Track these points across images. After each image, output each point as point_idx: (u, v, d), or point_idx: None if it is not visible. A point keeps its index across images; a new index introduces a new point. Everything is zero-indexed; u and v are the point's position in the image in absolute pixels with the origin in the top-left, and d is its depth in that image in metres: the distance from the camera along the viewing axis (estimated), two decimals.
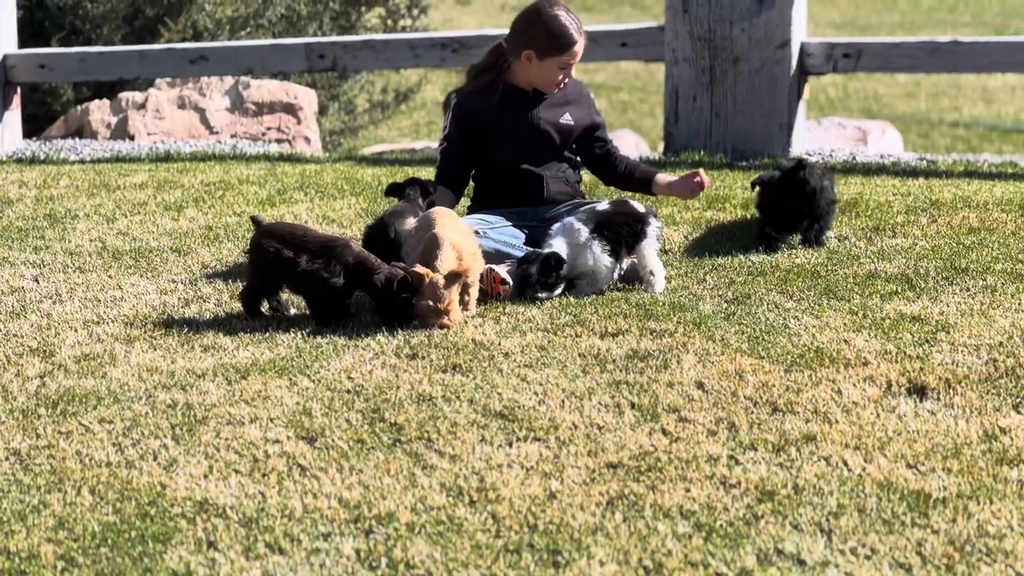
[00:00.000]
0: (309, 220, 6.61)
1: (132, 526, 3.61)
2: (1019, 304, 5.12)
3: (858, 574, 3.34)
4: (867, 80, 21.41)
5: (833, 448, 3.95)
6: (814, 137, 9.93)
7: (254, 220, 5.28)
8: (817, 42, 8.13)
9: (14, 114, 9.37)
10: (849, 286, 5.37)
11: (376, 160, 8.74)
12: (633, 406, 4.27)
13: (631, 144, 12.92)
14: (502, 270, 5.36)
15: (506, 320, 5.08)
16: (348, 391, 4.42)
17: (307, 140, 10.18)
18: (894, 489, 3.71)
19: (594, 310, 5.14)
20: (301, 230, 5.21)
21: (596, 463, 3.90)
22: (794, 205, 5.89)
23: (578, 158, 6.09)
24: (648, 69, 21.08)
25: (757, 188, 6.00)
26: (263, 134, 10.05)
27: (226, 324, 5.12)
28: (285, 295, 5.23)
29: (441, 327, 4.94)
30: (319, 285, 5.02)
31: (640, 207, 5.48)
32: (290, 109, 10.20)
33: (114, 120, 9.96)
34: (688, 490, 3.73)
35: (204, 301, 5.44)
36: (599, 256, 5.33)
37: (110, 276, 5.78)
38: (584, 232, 5.33)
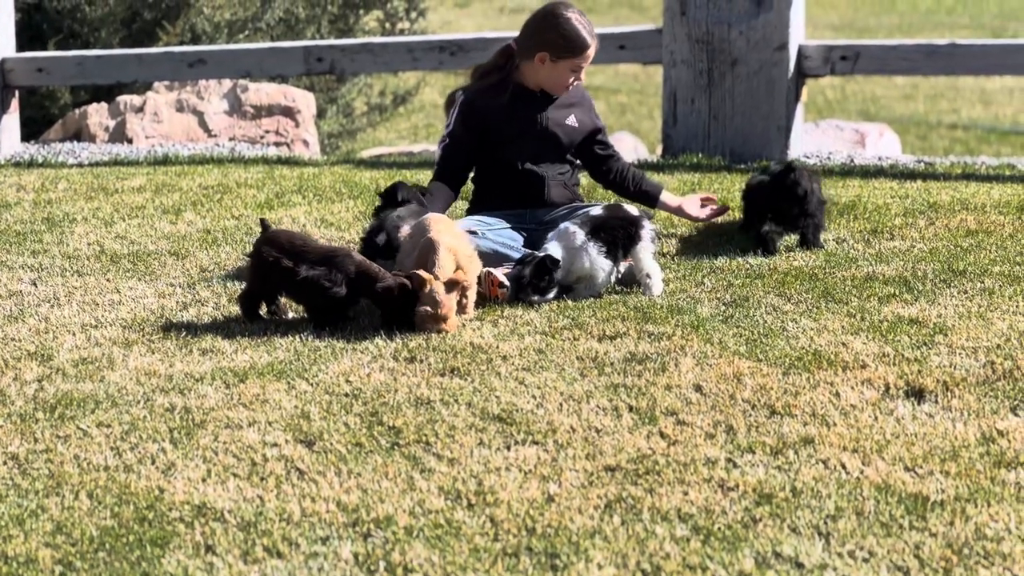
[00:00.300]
0: (307, 223, 6.61)
1: (130, 530, 3.61)
2: (1017, 306, 5.12)
3: None
4: (865, 82, 21.40)
5: (831, 451, 3.95)
6: (812, 139, 9.93)
7: (263, 223, 5.28)
8: (815, 44, 8.14)
9: (12, 117, 9.37)
10: (847, 289, 5.37)
11: (374, 163, 8.74)
12: (631, 409, 4.27)
13: (629, 147, 12.92)
14: (500, 273, 5.35)
15: (504, 323, 5.08)
16: (346, 394, 4.42)
17: (305, 143, 10.18)
18: (892, 492, 3.71)
19: (592, 313, 5.14)
20: (301, 239, 5.20)
21: (594, 466, 3.90)
22: (787, 208, 5.92)
23: (578, 161, 6.10)
24: (646, 71, 21.07)
25: (747, 189, 6.09)
26: (261, 137, 10.06)
27: (224, 328, 5.12)
28: (283, 299, 5.23)
29: (439, 332, 4.94)
30: (320, 293, 5.02)
31: (634, 210, 5.49)
32: (288, 112, 10.20)
33: (112, 123, 9.96)
34: (686, 493, 3.73)
35: (202, 305, 5.44)
36: (595, 259, 5.33)
37: (108, 280, 5.78)
38: (580, 236, 5.33)
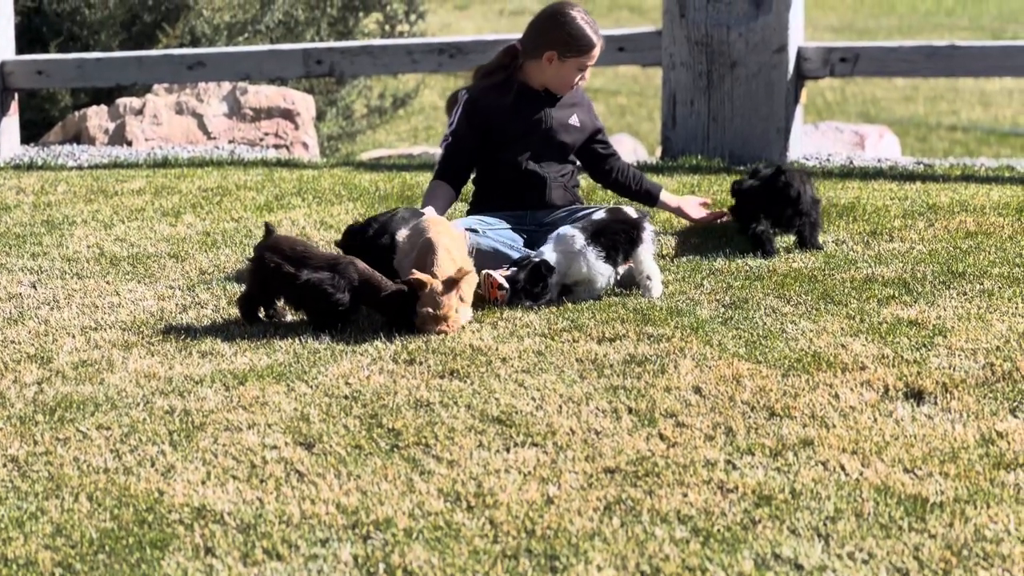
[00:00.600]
0: (307, 226, 6.61)
1: (130, 533, 3.61)
2: (1016, 308, 5.12)
3: None
4: (865, 84, 21.41)
5: (830, 453, 3.95)
6: (811, 141, 9.94)
7: (266, 227, 5.28)
8: (814, 46, 8.14)
9: (12, 120, 9.37)
10: (846, 290, 5.37)
11: (374, 165, 8.74)
12: (630, 411, 4.27)
13: (629, 148, 12.93)
14: (499, 275, 5.35)
15: (504, 325, 5.08)
16: (346, 397, 4.43)
17: (305, 145, 10.18)
18: (891, 493, 3.71)
19: (591, 315, 5.15)
20: (303, 245, 5.21)
21: (594, 468, 3.90)
22: (781, 210, 5.94)
23: (578, 163, 6.11)
24: (646, 74, 21.08)
25: (738, 194, 6.11)
26: (261, 140, 10.06)
27: (224, 330, 5.12)
28: (281, 302, 5.23)
29: (439, 333, 4.94)
30: (323, 299, 5.02)
31: (634, 213, 5.49)
32: (288, 115, 10.20)
33: (112, 126, 9.96)
34: (685, 495, 3.73)
35: (202, 307, 5.44)
36: (594, 264, 5.32)
37: (108, 282, 5.79)
38: (579, 240, 5.33)
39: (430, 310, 4.93)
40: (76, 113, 10.31)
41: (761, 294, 5.36)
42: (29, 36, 11.55)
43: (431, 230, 5.16)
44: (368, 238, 5.57)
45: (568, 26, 5.85)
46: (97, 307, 5.45)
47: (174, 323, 5.23)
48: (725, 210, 6.29)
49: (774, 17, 7.99)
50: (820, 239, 6.05)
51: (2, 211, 7.20)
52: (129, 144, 9.78)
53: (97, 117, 10.07)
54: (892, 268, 5.66)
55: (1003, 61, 8.19)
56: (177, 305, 5.47)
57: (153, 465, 4.00)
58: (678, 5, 8.16)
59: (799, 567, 3.38)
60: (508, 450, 4.03)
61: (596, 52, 5.89)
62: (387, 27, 14.14)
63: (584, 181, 6.54)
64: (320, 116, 13.09)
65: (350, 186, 7.53)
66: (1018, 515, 3.60)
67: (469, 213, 6.02)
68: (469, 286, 5.09)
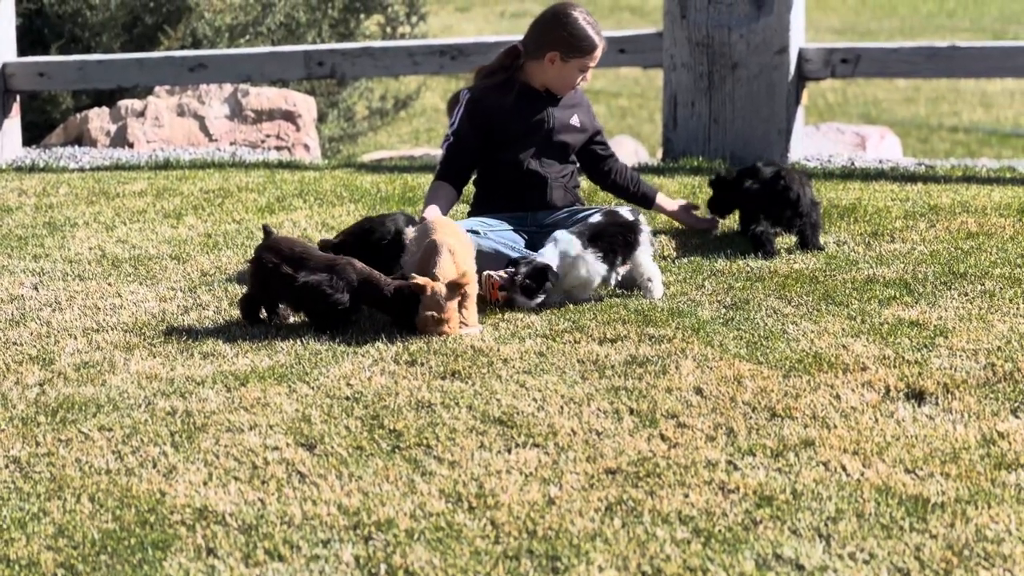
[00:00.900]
0: (308, 227, 6.62)
1: (132, 533, 3.62)
2: (1017, 309, 5.12)
3: None
4: (866, 85, 21.41)
5: (831, 453, 3.95)
6: (813, 143, 9.94)
7: (265, 229, 5.28)
8: (815, 48, 8.14)
9: (13, 122, 9.38)
10: (847, 291, 5.37)
11: (375, 167, 8.74)
12: (632, 412, 4.27)
13: (630, 150, 12.92)
14: (500, 276, 5.35)
15: (505, 326, 5.09)
16: (347, 398, 4.43)
17: (306, 147, 10.19)
18: (892, 494, 3.71)
19: (593, 316, 5.15)
20: (302, 246, 5.21)
21: (595, 469, 3.90)
22: (780, 212, 5.95)
23: (578, 164, 6.12)
24: (647, 75, 21.08)
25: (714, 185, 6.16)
26: (262, 141, 10.06)
27: (225, 331, 5.13)
28: (282, 306, 5.23)
29: (440, 335, 4.94)
30: (321, 300, 5.02)
31: (630, 215, 5.48)
32: (289, 116, 10.21)
33: (113, 128, 9.97)
34: (687, 495, 3.74)
35: (203, 308, 5.44)
36: (593, 266, 5.32)
37: (109, 284, 5.79)
38: (577, 244, 5.32)
39: (434, 314, 4.93)
40: (78, 115, 10.32)
41: (762, 295, 5.37)
42: (31, 38, 11.56)
43: (437, 231, 5.15)
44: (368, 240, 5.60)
45: (570, 27, 5.86)
46: (99, 309, 5.46)
47: (176, 324, 5.23)
48: (717, 217, 6.34)
49: (775, 18, 7.99)
50: (821, 240, 6.05)
51: (4, 213, 7.21)
52: (131, 146, 9.78)
53: (99, 119, 10.08)
54: (893, 269, 5.66)
55: (1004, 62, 8.19)
56: (179, 307, 5.48)
57: (155, 466, 4.00)
58: (679, 6, 8.16)
59: (800, 567, 3.38)
60: (509, 451, 4.03)
61: (598, 53, 5.90)
62: (388, 29, 14.14)
63: (584, 183, 6.55)
64: (321, 118, 13.09)
65: (351, 188, 7.54)
66: (1019, 515, 3.60)
67: (470, 214, 6.02)
68: (473, 301, 5.07)
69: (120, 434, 4.21)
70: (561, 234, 5.39)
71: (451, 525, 3.61)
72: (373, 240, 5.61)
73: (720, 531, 3.55)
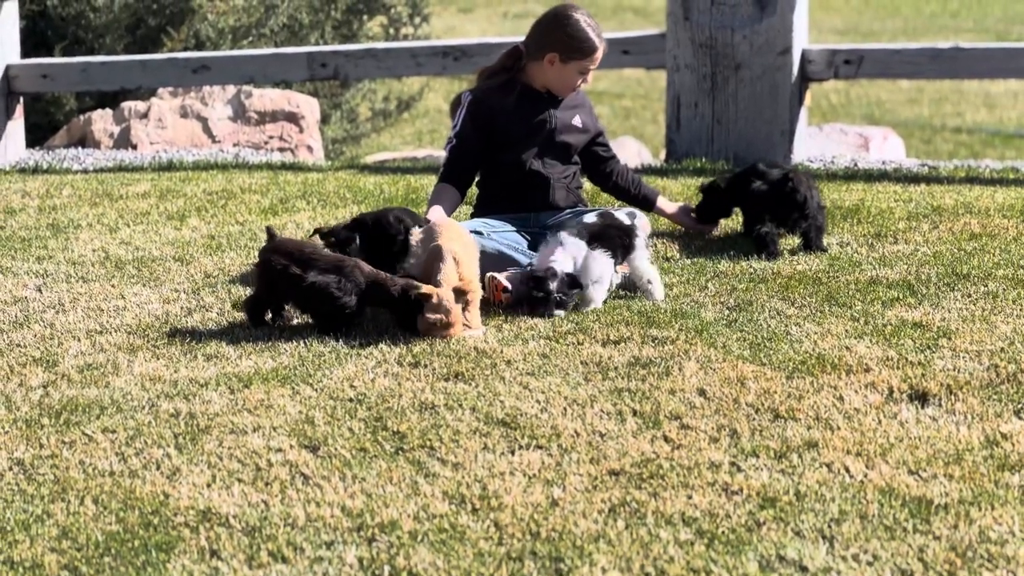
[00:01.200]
0: (311, 229, 6.61)
1: (135, 535, 3.62)
2: (1020, 310, 5.12)
3: None
4: (869, 86, 21.41)
5: (835, 455, 3.95)
6: (816, 143, 9.94)
7: (268, 231, 5.28)
8: (818, 48, 8.14)
9: (17, 124, 9.38)
10: (851, 293, 5.37)
11: (379, 168, 8.75)
12: (635, 413, 4.27)
13: (633, 151, 12.91)
14: (503, 277, 5.36)
15: (508, 328, 5.09)
16: (351, 399, 4.43)
17: (309, 149, 10.19)
18: (896, 495, 3.71)
19: (596, 318, 5.15)
20: (310, 247, 5.21)
21: (598, 470, 3.90)
22: (786, 214, 5.95)
23: (580, 164, 6.12)
24: (650, 76, 21.09)
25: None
26: (265, 143, 10.07)
27: (229, 333, 5.13)
28: (288, 306, 5.23)
29: (443, 337, 4.94)
30: (329, 301, 5.02)
31: (625, 219, 5.46)
32: (292, 118, 10.21)
33: (117, 129, 9.98)
34: (690, 497, 3.74)
35: (207, 310, 5.45)
36: (603, 263, 5.30)
37: (113, 286, 5.79)
38: (583, 245, 5.30)
39: (440, 318, 4.93)
40: (81, 117, 10.33)
41: (765, 296, 5.37)
42: (34, 40, 11.57)
43: (442, 235, 5.15)
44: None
45: (570, 28, 5.85)
46: (102, 310, 5.46)
47: (179, 326, 5.24)
48: (707, 226, 6.34)
49: (778, 19, 7.99)
50: (825, 241, 6.05)
51: (7, 215, 7.22)
52: (134, 148, 9.79)
53: (102, 121, 10.09)
54: (896, 270, 5.66)
55: (1007, 63, 8.19)
56: (182, 308, 5.48)
57: (158, 468, 4.00)
58: (682, 8, 8.16)
59: (804, 569, 3.38)
60: (513, 452, 4.03)
61: (598, 55, 5.89)
62: (391, 30, 14.15)
63: (587, 184, 6.55)
64: (325, 119, 13.10)
65: (355, 189, 7.54)
66: (1022, 516, 3.60)
67: (473, 215, 6.03)
68: (477, 304, 5.06)
69: (124, 436, 4.22)
70: (565, 237, 5.35)
71: (454, 527, 3.61)
72: (388, 236, 5.60)
73: (723, 532, 3.55)
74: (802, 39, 8.12)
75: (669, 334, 4.92)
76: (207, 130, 10.03)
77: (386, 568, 3.43)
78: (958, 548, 3.45)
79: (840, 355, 4.68)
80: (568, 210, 5.92)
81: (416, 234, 5.39)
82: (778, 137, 8.08)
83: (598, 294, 5.32)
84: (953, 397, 4.33)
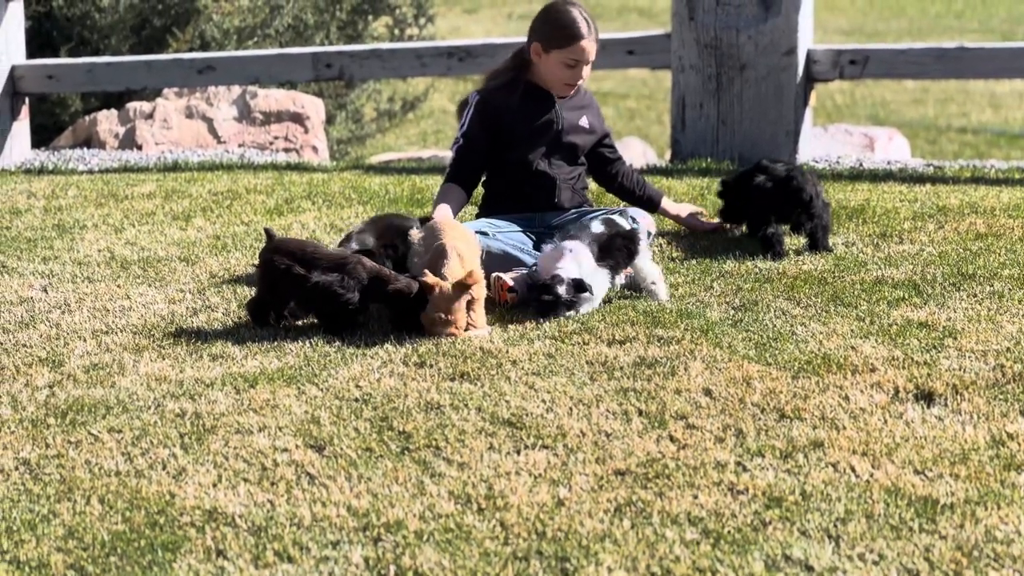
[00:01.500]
0: (317, 229, 6.62)
1: (141, 535, 3.62)
2: None
3: None
4: (874, 86, 21.40)
5: (841, 454, 3.95)
6: (821, 144, 9.94)
7: (267, 232, 5.28)
8: (823, 49, 8.14)
9: (22, 124, 9.39)
10: (856, 292, 5.37)
11: (384, 169, 8.75)
12: (641, 413, 4.27)
13: (638, 152, 12.91)
14: (509, 277, 5.36)
15: (513, 328, 5.09)
16: (356, 399, 4.43)
17: (315, 149, 10.20)
18: (902, 495, 3.71)
19: (601, 318, 5.15)
20: (312, 246, 5.21)
21: (604, 470, 3.90)
22: (792, 213, 5.95)
23: (586, 165, 6.11)
24: (655, 76, 21.09)
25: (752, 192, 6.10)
26: (270, 143, 10.08)
27: (234, 333, 5.13)
28: (292, 304, 5.23)
29: (447, 336, 4.94)
30: (332, 300, 5.02)
31: (626, 224, 5.44)
32: (297, 118, 10.22)
33: (122, 130, 9.99)
34: (696, 497, 3.74)
35: (212, 310, 5.45)
36: (601, 279, 5.27)
37: (118, 286, 5.80)
38: (589, 255, 5.27)
39: (441, 314, 4.93)
40: (86, 117, 10.34)
41: (771, 296, 5.37)
42: (39, 41, 11.58)
43: (446, 234, 5.15)
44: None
45: (551, 16, 5.80)
46: (108, 311, 5.46)
47: (185, 326, 5.24)
48: (721, 222, 6.32)
49: (783, 19, 7.99)
50: (830, 241, 6.05)
51: (13, 215, 7.22)
52: (139, 148, 9.80)
53: (107, 121, 10.10)
54: (902, 270, 5.65)
55: (1012, 63, 8.19)
56: (188, 308, 5.48)
57: (164, 468, 4.01)
58: (687, 8, 8.16)
59: (809, 568, 3.38)
60: (518, 452, 4.04)
61: (581, 47, 5.77)
62: (396, 31, 14.16)
63: (592, 184, 6.55)
64: (330, 120, 13.11)
65: (360, 189, 7.55)
66: None
67: (478, 215, 6.03)
68: (482, 304, 5.05)
69: (129, 436, 4.22)
70: (574, 244, 5.29)
71: (460, 526, 3.61)
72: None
73: (729, 532, 3.55)
74: (807, 39, 8.12)
75: (675, 334, 4.92)
76: (212, 131, 10.04)
77: (392, 568, 3.43)
78: (964, 548, 3.45)
79: (846, 355, 4.68)
80: (573, 210, 5.92)
81: (416, 233, 5.39)
82: (783, 137, 8.08)
83: (586, 309, 5.26)
84: (959, 397, 4.33)
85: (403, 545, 3.53)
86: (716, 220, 6.38)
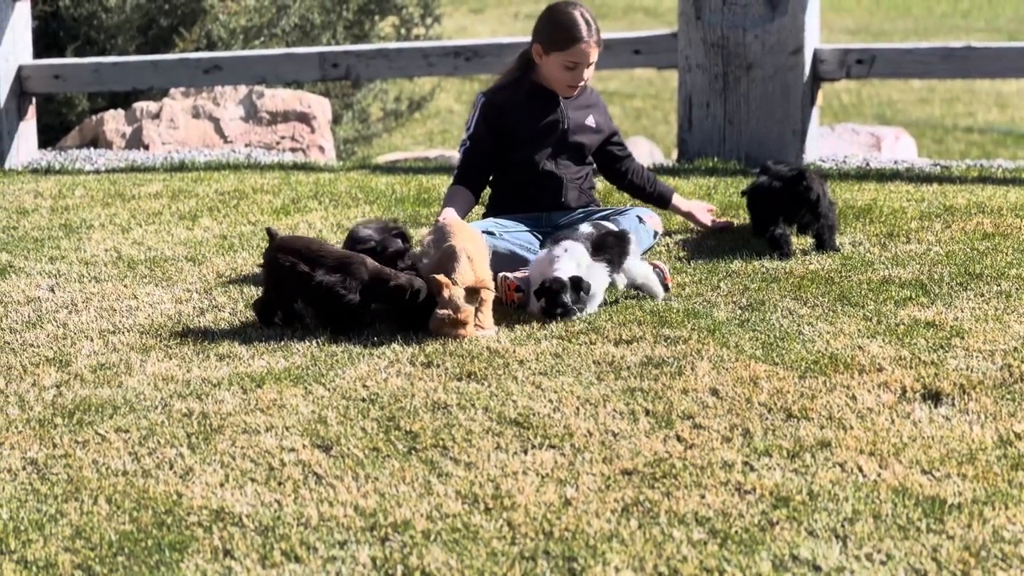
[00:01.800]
0: (323, 229, 6.62)
1: (149, 535, 3.63)
2: None
3: None
4: (881, 86, 21.38)
5: (848, 454, 3.95)
6: (828, 143, 9.93)
7: (269, 232, 5.28)
8: (830, 48, 8.13)
9: (29, 124, 9.40)
10: (863, 292, 5.36)
11: (390, 168, 8.75)
12: (648, 413, 4.27)
13: (645, 151, 12.92)
14: (515, 277, 5.35)
15: (520, 328, 5.09)
16: (363, 399, 4.43)
17: (321, 149, 10.20)
18: (909, 495, 3.71)
19: (608, 318, 5.15)
20: (316, 244, 5.21)
21: (611, 470, 3.90)
22: (799, 213, 5.95)
23: (594, 165, 6.11)
24: (662, 76, 21.07)
25: (751, 194, 6.09)
26: (277, 143, 10.08)
27: (241, 333, 5.14)
28: (298, 303, 5.23)
29: (455, 338, 4.94)
30: (334, 301, 5.02)
31: (612, 226, 5.43)
32: (304, 118, 10.22)
33: (129, 130, 10.00)
34: (703, 496, 3.74)
35: (219, 310, 5.45)
36: (600, 275, 5.26)
37: (125, 286, 5.80)
38: (586, 253, 5.27)
39: (449, 314, 4.93)
40: (93, 117, 10.35)
41: (778, 296, 5.36)
42: (46, 40, 11.59)
43: (455, 236, 5.14)
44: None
45: (552, 17, 5.79)
46: (115, 310, 5.47)
47: (191, 326, 5.24)
48: (731, 220, 6.33)
49: (790, 19, 7.99)
50: (837, 241, 6.04)
51: (20, 215, 7.23)
52: (146, 148, 9.80)
53: (114, 121, 10.11)
54: (909, 270, 5.65)
55: (1019, 62, 8.17)
56: (194, 308, 5.48)
57: (171, 468, 4.01)
58: (694, 7, 8.16)
59: (817, 568, 3.38)
60: (526, 452, 4.04)
61: (581, 49, 5.75)
62: (403, 30, 14.16)
63: (601, 183, 6.55)
64: (336, 119, 13.12)
65: (366, 189, 7.55)
66: None
67: (485, 215, 6.02)
68: (489, 305, 5.05)
69: (137, 436, 4.22)
70: (568, 244, 5.28)
71: (467, 526, 3.62)
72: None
73: (736, 532, 3.55)
74: (814, 39, 8.11)
75: (681, 334, 4.92)
76: (219, 130, 10.04)
77: (399, 568, 3.43)
78: (972, 547, 3.45)
79: (853, 355, 4.67)
80: (580, 210, 5.91)
81: (426, 234, 5.39)
82: (790, 137, 8.08)
83: (591, 307, 5.25)
84: (966, 396, 4.33)
85: (410, 545, 3.53)
86: (725, 219, 6.38)
